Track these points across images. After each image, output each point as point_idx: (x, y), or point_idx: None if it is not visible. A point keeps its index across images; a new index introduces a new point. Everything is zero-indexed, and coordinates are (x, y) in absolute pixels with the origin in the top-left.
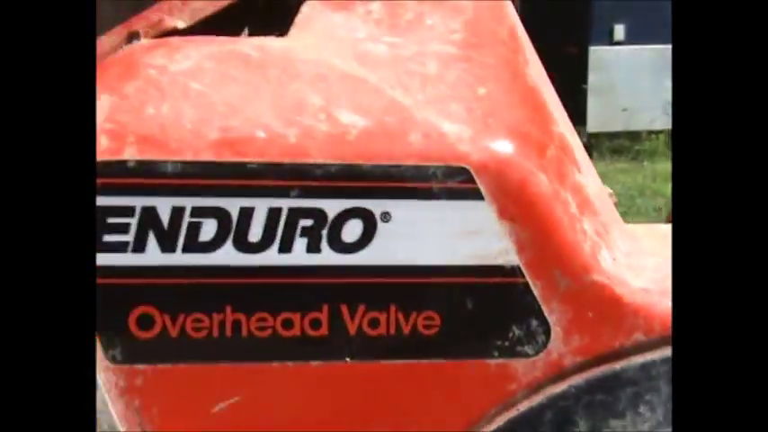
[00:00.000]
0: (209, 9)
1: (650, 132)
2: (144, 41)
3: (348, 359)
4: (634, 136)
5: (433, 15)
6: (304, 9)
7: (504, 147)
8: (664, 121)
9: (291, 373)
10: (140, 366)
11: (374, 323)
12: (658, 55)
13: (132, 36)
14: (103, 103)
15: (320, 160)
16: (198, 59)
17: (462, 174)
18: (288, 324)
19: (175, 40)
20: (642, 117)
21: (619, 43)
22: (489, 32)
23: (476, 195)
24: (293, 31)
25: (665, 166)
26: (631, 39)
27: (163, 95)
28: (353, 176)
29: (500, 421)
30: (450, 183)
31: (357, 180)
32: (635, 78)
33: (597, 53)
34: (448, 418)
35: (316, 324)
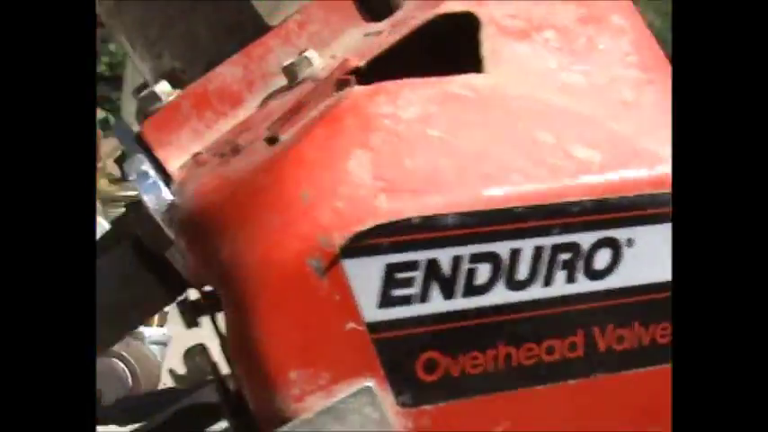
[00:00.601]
0: (325, 32)
1: None
2: (358, 88)
3: (597, 374)
4: None
5: (602, 38)
6: (485, 43)
7: None
8: None
9: (552, 393)
10: (427, 407)
11: (620, 339)
12: None
13: (342, 83)
14: (362, 160)
15: (575, 198)
16: (421, 104)
17: None
18: (550, 350)
19: (388, 84)
20: None
21: None
22: (653, 51)
23: None
24: (488, 65)
25: None
26: None
27: (410, 146)
28: (604, 209)
29: None
30: None
31: (607, 212)
32: None
33: None
34: None
35: (573, 347)
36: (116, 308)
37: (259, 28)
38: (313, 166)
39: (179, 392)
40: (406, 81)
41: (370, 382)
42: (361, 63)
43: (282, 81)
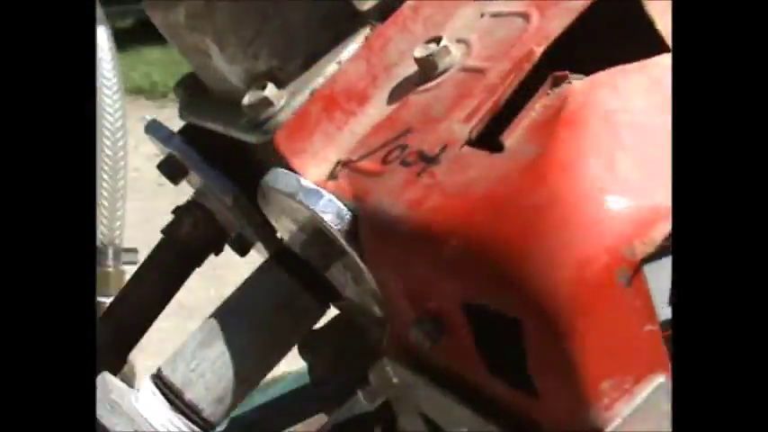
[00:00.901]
0: (438, 15)
1: None
2: (576, 82)
3: None
4: None
5: None
6: (658, 19)
7: None
8: None
9: None
10: None
11: None
12: None
13: (559, 79)
14: (626, 163)
15: None
16: (641, 94)
17: None
18: None
19: (601, 76)
20: None
21: None
22: None
23: None
24: (671, 43)
25: None
26: None
27: (655, 140)
28: None
29: None
30: None
31: None
32: None
33: None
34: None
35: None
36: (276, 332)
37: (350, 15)
38: (587, 176)
39: (290, 404)
40: (613, 71)
41: (662, 378)
42: (540, 51)
43: (405, 71)
